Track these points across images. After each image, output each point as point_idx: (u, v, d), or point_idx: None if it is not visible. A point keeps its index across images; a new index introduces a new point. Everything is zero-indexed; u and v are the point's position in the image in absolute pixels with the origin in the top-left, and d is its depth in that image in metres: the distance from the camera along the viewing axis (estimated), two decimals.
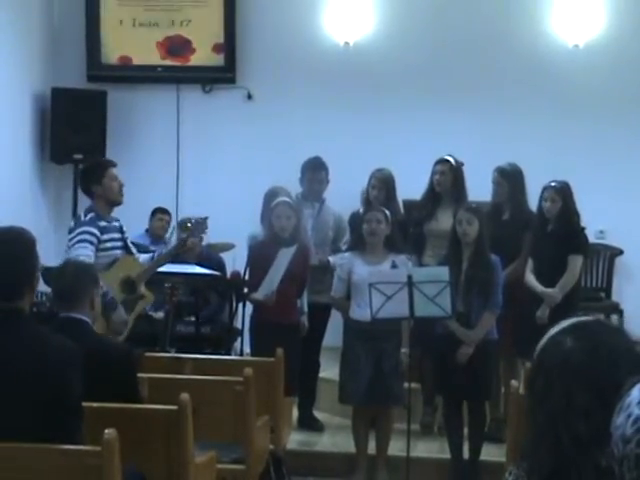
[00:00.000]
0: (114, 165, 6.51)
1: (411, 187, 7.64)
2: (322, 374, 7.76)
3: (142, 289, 6.36)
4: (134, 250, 6.57)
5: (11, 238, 3.73)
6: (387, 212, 6.82)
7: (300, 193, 7.69)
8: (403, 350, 6.64)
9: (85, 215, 6.34)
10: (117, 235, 6.39)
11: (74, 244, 6.16)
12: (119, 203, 6.47)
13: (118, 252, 6.35)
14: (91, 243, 6.15)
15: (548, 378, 2.04)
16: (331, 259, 7.38)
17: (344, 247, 7.46)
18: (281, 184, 7.51)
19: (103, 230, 6.26)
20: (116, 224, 6.44)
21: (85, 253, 6.04)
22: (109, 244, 6.30)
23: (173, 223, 8.89)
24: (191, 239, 6.51)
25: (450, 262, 6.55)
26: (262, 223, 7.31)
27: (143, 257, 6.57)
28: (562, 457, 1.99)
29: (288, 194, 7.35)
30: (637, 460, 1.62)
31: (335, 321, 7.41)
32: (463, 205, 6.91)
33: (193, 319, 7.69)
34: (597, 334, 2.07)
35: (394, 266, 6.70)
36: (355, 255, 6.82)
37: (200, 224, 6.57)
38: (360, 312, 6.64)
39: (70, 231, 6.29)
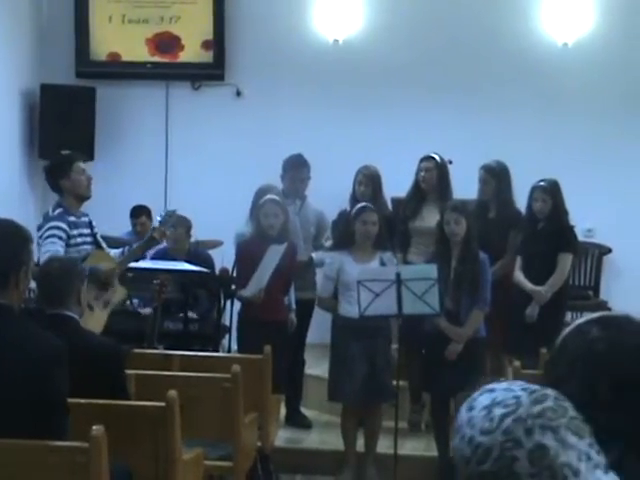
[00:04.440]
0: (81, 159, 6.45)
1: (398, 184, 7.65)
2: (309, 371, 7.75)
3: (115, 283, 6.32)
4: (104, 245, 6.50)
5: (4, 232, 3.72)
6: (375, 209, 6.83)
7: (281, 190, 7.65)
8: (395, 346, 6.65)
9: (53, 210, 6.27)
10: (86, 230, 6.33)
11: (43, 240, 6.09)
12: (87, 197, 6.39)
13: (88, 247, 6.28)
14: (60, 238, 6.08)
15: (570, 366, 2.00)
16: (314, 256, 7.36)
17: (327, 244, 7.44)
18: (270, 181, 7.50)
19: (72, 225, 6.19)
20: (85, 219, 6.37)
21: (54, 249, 5.98)
22: (79, 239, 6.23)
23: (154, 221, 8.89)
24: (157, 230, 6.45)
25: (439, 260, 6.55)
26: (250, 220, 7.27)
27: (114, 252, 6.52)
28: None
29: (279, 192, 7.33)
30: (481, 478, 1.66)
31: (319, 318, 7.40)
32: (448, 204, 6.88)
33: (181, 316, 7.68)
34: (625, 328, 2.03)
35: (383, 263, 6.70)
36: (343, 254, 6.80)
37: (168, 216, 6.54)
38: (351, 309, 6.60)
39: (39, 228, 6.18)
